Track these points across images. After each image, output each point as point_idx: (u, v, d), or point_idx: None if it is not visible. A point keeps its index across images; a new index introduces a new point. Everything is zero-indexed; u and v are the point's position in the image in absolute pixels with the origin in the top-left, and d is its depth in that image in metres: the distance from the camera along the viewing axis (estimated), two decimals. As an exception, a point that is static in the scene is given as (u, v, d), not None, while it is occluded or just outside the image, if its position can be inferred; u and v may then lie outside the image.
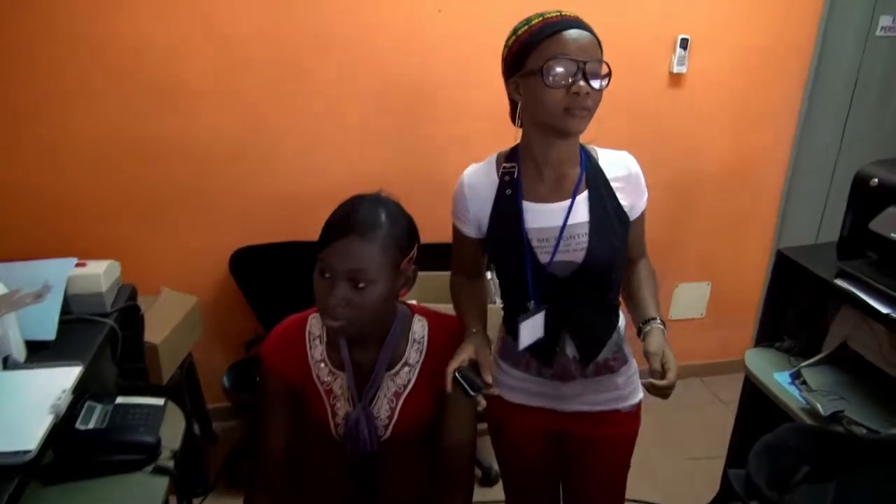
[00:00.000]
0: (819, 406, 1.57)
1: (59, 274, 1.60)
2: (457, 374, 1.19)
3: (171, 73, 2.25)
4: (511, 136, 1.35)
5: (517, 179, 1.31)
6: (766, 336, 1.97)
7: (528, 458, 1.57)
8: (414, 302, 1.61)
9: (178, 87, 2.28)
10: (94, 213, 2.36)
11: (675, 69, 2.60)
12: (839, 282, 1.66)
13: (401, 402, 1.33)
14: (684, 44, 2.56)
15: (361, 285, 1.18)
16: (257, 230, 2.48)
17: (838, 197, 2.62)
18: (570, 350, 1.40)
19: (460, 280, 1.49)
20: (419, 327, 1.37)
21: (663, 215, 2.81)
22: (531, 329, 1.34)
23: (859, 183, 1.71)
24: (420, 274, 1.32)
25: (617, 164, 1.34)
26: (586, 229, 1.29)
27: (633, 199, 1.35)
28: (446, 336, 1.35)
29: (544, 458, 1.57)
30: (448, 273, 1.51)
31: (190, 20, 2.21)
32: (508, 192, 1.32)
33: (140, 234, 2.42)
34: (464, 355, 1.22)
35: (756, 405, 1.90)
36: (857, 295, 1.59)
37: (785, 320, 1.95)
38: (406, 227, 1.28)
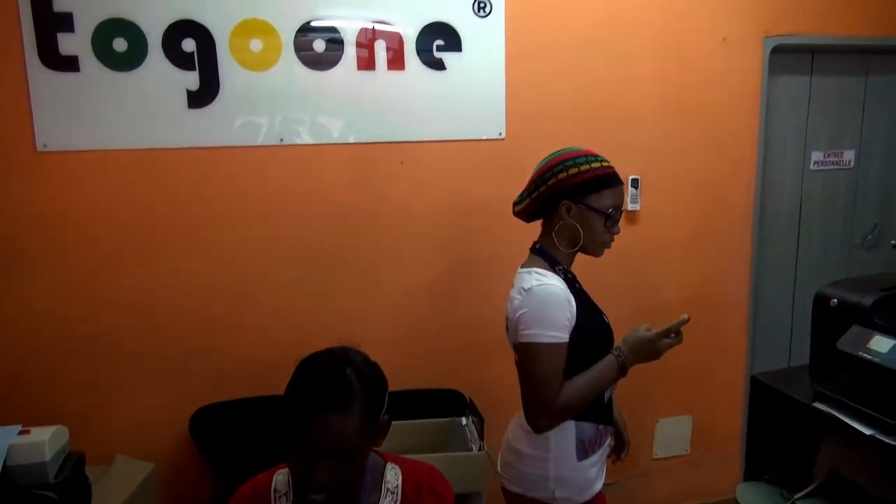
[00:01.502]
0: (820, 541, 1.48)
1: None
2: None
3: (135, 227, 2.28)
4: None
5: (575, 276, 1.60)
6: (754, 468, 1.91)
7: None
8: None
9: (142, 241, 2.30)
10: (40, 375, 2.26)
11: (630, 207, 2.72)
12: (818, 405, 1.63)
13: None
14: (635, 183, 2.71)
15: (346, 458, 1.11)
16: (221, 387, 2.38)
17: (802, 318, 2.67)
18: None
19: (563, 389, 1.49)
20: (392, 476, 1.29)
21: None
22: (609, 389, 1.57)
23: (820, 304, 1.74)
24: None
25: None
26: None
27: None
28: (421, 483, 1.27)
29: None
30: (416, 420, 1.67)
31: (160, 176, 2.27)
32: (577, 285, 1.59)
33: (92, 397, 2.31)
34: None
35: (755, 545, 1.79)
36: (837, 417, 1.56)
37: (770, 449, 1.89)
38: (377, 381, 1.23)
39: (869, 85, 3.07)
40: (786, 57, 2.86)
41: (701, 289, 2.92)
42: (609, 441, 1.68)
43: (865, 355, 1.54)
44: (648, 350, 1.46)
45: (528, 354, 1.48)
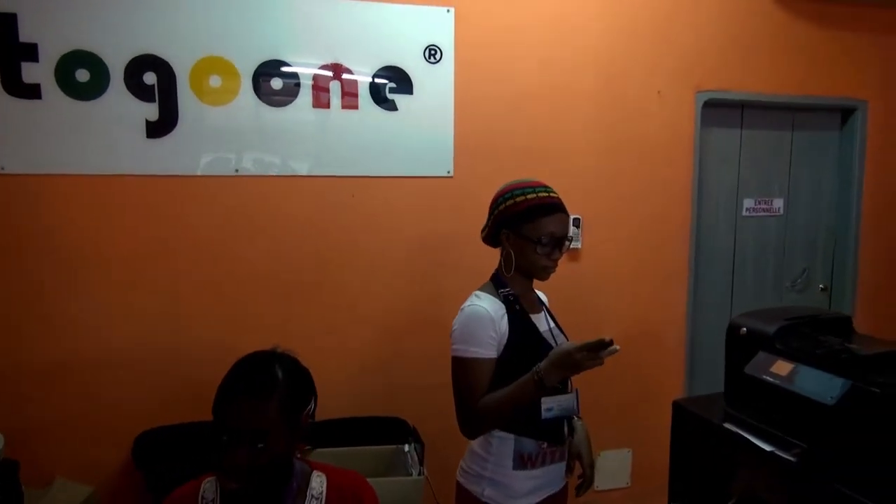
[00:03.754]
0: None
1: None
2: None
3: (86, 250, 2.34)
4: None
5: (518, 299, 1.68)
6: (678, 493, 1.99)
7: None
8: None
9: (93, 263, 2.35)
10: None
11: (571, 245, 2.86)
12: (728, 426, 1.75)
13: (300, 563, 1.27)
14: (577, 223, 2.86)
15: (261, 445, 1.18)
16: (167, 410, 2.40)
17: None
18: (566, 429, 1.72)
19: (483, 400, 1.58)
20: (317, 483, 1.35)
21: (575, 383, 2.89)
22: (555, 408, 1.64)
23: (731, 333, 1.88)
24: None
25: (542, 296, 1.88)
26: (557, 329, 1.78)
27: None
28: (345, 491, 1.33)
29: None
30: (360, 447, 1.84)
31: (116, 202, 2.34)
32: (517, 307, 1.67)
33: (32, 418, 2.31)
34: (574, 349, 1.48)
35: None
36: (744, 437, 1.67)
37: (691, 473, 1.98)
38: (303, 381, 1.31)
39: (795, 139, 3.31)
40: (718, 110, 3.09)
41: (641, 326, 3.05)
42: (571, 470, 1.75)
43: (768, 378, 1.67)
44: (565, 361, 1.47)
45: (454, 367, 1.63)
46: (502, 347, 1.61)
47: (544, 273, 1.68)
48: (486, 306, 1.62)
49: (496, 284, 1.71)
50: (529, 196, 1.65)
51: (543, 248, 1.63)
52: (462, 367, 1.60)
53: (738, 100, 3.09)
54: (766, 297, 3.34)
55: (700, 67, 2.99)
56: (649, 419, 3.11)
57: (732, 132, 3.22)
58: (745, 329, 1.82)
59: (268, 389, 1.21)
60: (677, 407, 1.98)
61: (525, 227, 1.64)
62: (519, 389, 1.53)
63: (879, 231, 3.36)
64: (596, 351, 1.44)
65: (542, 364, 1.51)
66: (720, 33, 2.99)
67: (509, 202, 1.67)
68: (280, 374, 1.25)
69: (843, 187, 3.37)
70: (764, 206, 3.31)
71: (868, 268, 3.37)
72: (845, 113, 3.33)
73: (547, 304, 1.88)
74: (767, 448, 1.59)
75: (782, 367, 1.67)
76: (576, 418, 1.75)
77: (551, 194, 1.68)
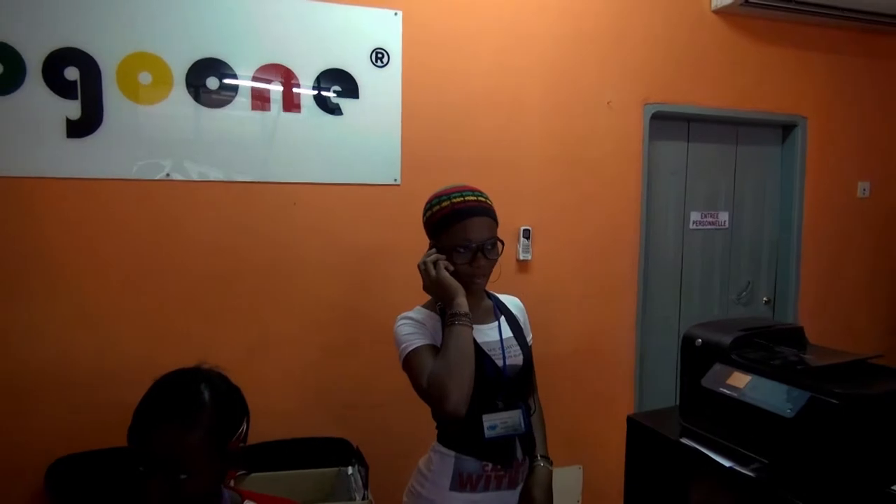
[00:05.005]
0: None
1: None
2: None
3: (-3, 266, 2.12)
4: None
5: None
6: (633, 510, 1.93)
7: None
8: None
9: (4, 272, 2.14)
10: None
11: (521, 256, 2.79)
12: (684, 440, 1.69)
13: None
14: (527, 234, 2.79)
15: (184, 476, 1.05)
16: (82, 436, 2.19)
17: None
18: (518, 451, 1.61)
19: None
20: (248, 514, 1.21)
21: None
22: (499, 425, 1.56)
23: (686, 345, 1.83)
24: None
25: (511, 303, 1.77)
26: (514, 341, 1.65)
27: (526, 328, 1.76)
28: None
29: None
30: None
31: (33, 207, 2.14)
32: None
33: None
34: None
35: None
36: (702, 452, 1.62)
37: (646, 490, 1.92)
38: (233, 402, 1.18)
39: (739, 153, 3.35)
40: (665, 123, 3.09)
41: (590, 339, 3.01)
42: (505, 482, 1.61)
43: (725, 391, 1.62)
44: (423, 276, 1.56)
45: (405, 370, 1.54)
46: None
47: (472, 283, 1.57)
48: (412, 314, 1.61)
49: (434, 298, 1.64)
50: (444, 204, 1.57)
51: (462, 256, 1.54)
52: (408, 366, 1.52)
53: (684, 113, 3.11)
54: (712, 310, 3.36)
55: (648, 80, 2.99)
56: (600, 434, 3.06)
57: (679, 145, 3.23)
58: (700, 340, 1.78)
59: (192, 413, 1.08)
60: (632, 422, 1.92)
61: (442, 238, 1.57)
62: (447, 335, 1.48)
63: (820, 245, 3.43)
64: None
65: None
66: (668, 47, 3.01)
67: (427, 214, 1.62)
68: (206, 394, 1.12)
69: (785, 201, 3.43)
70: (710, 220, 3.33)
71: (810, 281, 3.43)
72: (786, 129, 3.40)
73: (518, 309, 1.77)
74: (726, 464, 1.54)
75: (739, 380, 1.62)
76: (539, 458, 1.67)
77: (467, 198, 1.57)
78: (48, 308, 2.19)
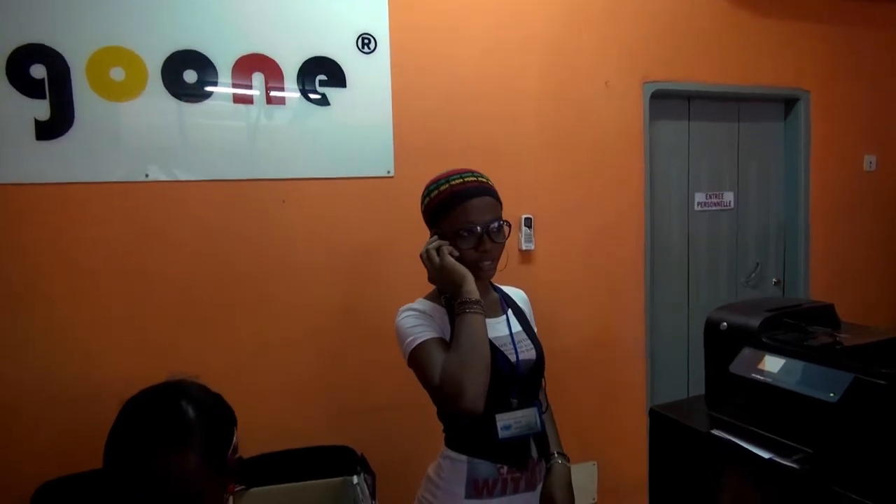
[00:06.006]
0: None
1: None
2: None
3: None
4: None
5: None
6: (659, 507, 1.81)
7: None
8: None
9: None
10: None
11: (524, 246, 2.67)
12: (716, 432, 1.57)
13: None
14: (528, 222, 2.67)
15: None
16: (70, 459, 2.05)
17: (697, 354, 2.67)
18: (533, 450, 1.50)
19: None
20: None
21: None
22: (513, 425, 1.45)
23: (710, 330, 1.71)
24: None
25: (517, 295, 1.68)
26: (524, 335, 1.55)
27: (532, 320, 1.66)
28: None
29: None
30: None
31: (-4, 221, 2.00)
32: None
33: None
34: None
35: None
36: (736, 444, 1.50)
37: (673, 485, 1.80)
38: (219, 414, 1.05)
39: (742, 130, 3.24)
40: (665, 102, 2.98)
41: (598, 330, 2.89)
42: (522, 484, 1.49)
43: (758, 377, 1.51)
44: (428, 267, 1.45)
45: (412, 368, 1.43)
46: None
47: (480, 270, 1.45)
48: (416, 306, 1.49)
49: (440, 289, 1.52)
50: (443, 188, 1.47)
51: (466, 240, 1.43)
52: (416, 362, 1.40)
53: (684, 90, 2.99)
54: (721, 294, 3.25)
55: (647, 57, 2.87)
56: (613, 428, 2.95)
57: (680, 124, 3.12)
58: (725, 324, 1.66)
59: (183, 437, 0.95)
60: (655, 415, 1.80)
61: (443, 224, 1.47)
62: (459, 324, 1.37)
63: (828, 221, 3.32)
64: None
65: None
66: (666, 22, 2.89)
67: (425, 200, 1.51)
68: (191, 412, 0.99)
69: (790, 180, 3.32)
70: (715, 200, 3.22)
71: (819, 261, 3.32)
72: (788, 103, 3.29)
73: (523, 302, 1.67)
74: (765, 455, 1.42)
75: (772, 363, 1.51)
76: (556, 455, 1.56)
77: (466, 180, 1.47)
78: (25, 322, 2.04)
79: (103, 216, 2.12)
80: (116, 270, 2.14)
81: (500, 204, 1.50)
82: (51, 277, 2.07)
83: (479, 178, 1.49)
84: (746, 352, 1.58)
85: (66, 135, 2.06)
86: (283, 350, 2.34)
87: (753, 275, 3.32)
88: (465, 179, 1.47)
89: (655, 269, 3.03)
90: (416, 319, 1.44)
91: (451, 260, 1.41)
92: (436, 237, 1.48)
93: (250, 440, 2.23)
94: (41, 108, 2.03)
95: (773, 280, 3.38)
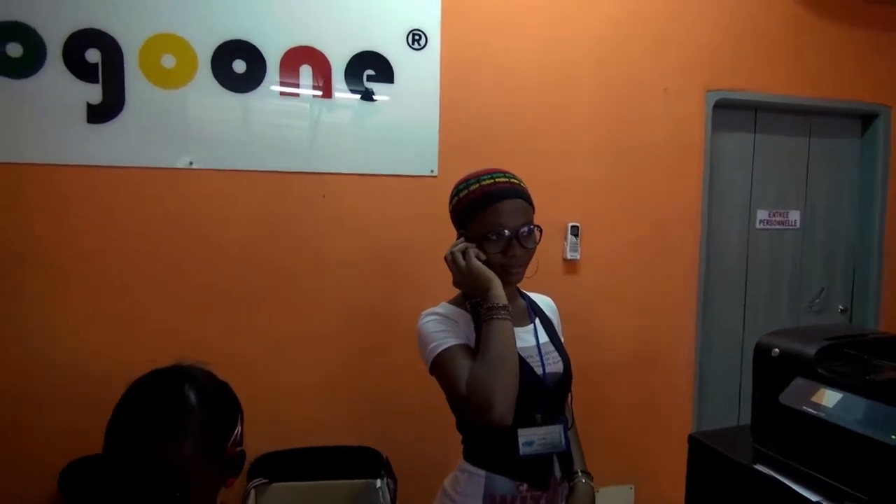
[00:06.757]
0: None
1: None
2: None
3: (11, 249, 2.03)
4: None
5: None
6: (695, 541, 1.68)
7: None
8: None
9: (19, 263, 2.04)
10: None
11: (569, 256, 2.57)
12: (759, 467, 1.44)
13: None
14: (575, 231, 2.57)
15: (178, 494, 0.89)
16: (97, 437, 2.07)
17: (750, 382, 2.50)
18: (556, 469, 1.42)
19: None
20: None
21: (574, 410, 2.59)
22: (536, 442, 1.38)
23: (761, 355, 1.58)
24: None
25: (544, 302, 1.59)
26: (551, 346, 1.47)
27: (560, 330, 1.56)
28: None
29: None
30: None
31: (50, 195, 2.04)
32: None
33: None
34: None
35: None
36: (780, 482, 1.37)
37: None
38: (223, 402, 1.01)
39: (812, 145, 3.05)
40: (730, 112, 2.83)
41: (644, 346, 2.75)
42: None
43: (811, 410, 1.37)
44: (453, 270, 1.38)
45: (434, 374, 1.36)
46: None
47: (508, 275, 1.38)
48: (439, 310, 1.41)
49: (465, 294, 1.44)
50: (473, 188, 1.40)
51: (494, 244, 1.36)
52: (439, 370, 1.33)
53: (751, 101, 2.83)
54: (780, 319, 3.05)
55: (711, 64, 2.73)
56: (653, 451, 2.80)
57: (745, 137, 2.95)
58: (777, 350, 1.52)
59: (180, 423, 0.92)
60: (695, 442, 1.68)
61: (471, 226, 1.40)
62: (486, 331, 1.29)
63: (904, 248, 3.08)
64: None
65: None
66: (732, 27, 2.74)
67: (454, 200, 1.45)
68: (193, 397, 0.96)
69: (865, 200, 3.10)
70: (779, 219, 3.03)
71: (892, 289, 3.08)
72: (866, 119, 3.07)
73: (551, 311, 1.58)
74: (813, 498, 1.29)
75: (826, 397, 1.37)
76: (579, 473, 1.47)
77: (497, 180, 1.40)
78: (60, 302, 2.08)
79: (144, 201, 2.14)
80: (152, 254, 2.16)
81: (533, 207, 1.42)
82: (89, 259, 2.11)
83: (511, 179, 1.41)
84: (799, 382, 1.44)
85: (116, 119, 2.09)
86: (313, 345, 2.31)
87: (818, 300, 3.11)
88: (497, 180, 1.39)
89: (710, 286, 2.87)
90: (440, 324, 1.37)
91: (477, 263, 1.34)
92: (462, 239, 1.41)
93: (274, 435, 2.23)
94: (94, 92, 2.07)
95: (840, 307, 3.15)
